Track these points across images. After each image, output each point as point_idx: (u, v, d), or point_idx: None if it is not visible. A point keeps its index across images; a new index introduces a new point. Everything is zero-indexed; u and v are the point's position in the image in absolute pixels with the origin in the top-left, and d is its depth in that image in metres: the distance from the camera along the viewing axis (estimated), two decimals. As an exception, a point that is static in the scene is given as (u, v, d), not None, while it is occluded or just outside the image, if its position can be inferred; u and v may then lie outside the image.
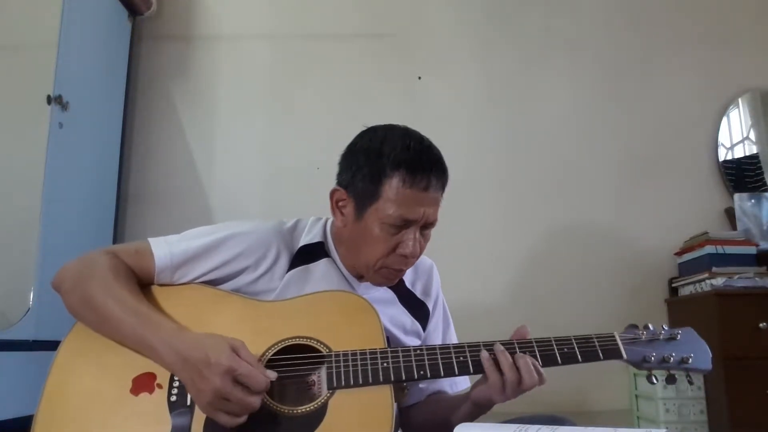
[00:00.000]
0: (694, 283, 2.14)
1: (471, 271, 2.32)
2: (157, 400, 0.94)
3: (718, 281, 1.99)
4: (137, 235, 2.37)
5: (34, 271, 1.79)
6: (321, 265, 1.13)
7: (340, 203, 1.11)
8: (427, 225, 1.07)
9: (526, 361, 0.96)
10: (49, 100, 1.88)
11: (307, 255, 1.13)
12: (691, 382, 1.05)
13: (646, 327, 1.06)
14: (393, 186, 1.03)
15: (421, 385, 1.19)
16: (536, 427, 0.83)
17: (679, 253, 2.29)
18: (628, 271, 2.32)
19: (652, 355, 1.02)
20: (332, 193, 1.12)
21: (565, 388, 2.16)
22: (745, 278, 1.98)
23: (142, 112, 2.48)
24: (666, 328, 1.06)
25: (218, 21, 2.56)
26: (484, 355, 0.98)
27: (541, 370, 0.98)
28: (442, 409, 1.13)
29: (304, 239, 1.15)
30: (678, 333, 1.05)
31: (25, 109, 1.95)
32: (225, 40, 2.55)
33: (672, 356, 1.02)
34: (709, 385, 1.98)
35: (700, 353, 1.03)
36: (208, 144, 2.46)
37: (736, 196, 2.26)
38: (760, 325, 1.88)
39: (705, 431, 1.97)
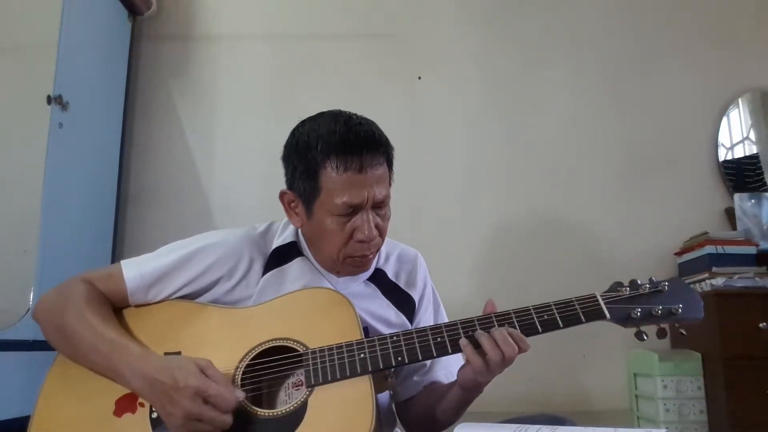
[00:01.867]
0: (694, 283, 2.13)
1: (469, 271, 2.32)
2: (140, 418, 0.95)
3: (718, 281, 1.99)
4: (137, 235, 2.38)
5: (34, 271, 1.79)
6: (295, 265, 1.12)
7: (292, 204, 1.10)
8: (377, 205, 1.04)
9: (502, 334, 0.95)
10: (49, 100, 1.88)
11: (281, 257, 1.12)
12: (683, 334, 0.97)
13: (632, 282, 1.00)
14: (328, 176, 1.00)
15: (415, 378, 1.17)
16: (536, 427, 0.83)
17: (679, 253, 2.29)
18: (628, 271, 2.30)
19: (638, 311, 0.96)
20: (281, 197, 1.10)
21: (565, 388, 2.17)
22: (745, 278, 1.98)
23: (142, 112, 2.48)
24: (653, 280, 0.99)
25: (218, 21, 2.56)
26: (463, 341, 0.97)
27: (521, 336, 0.96)
28: (435, 399, 1.12)
29: (277, 241, 1.14)
30: (665, 284, 0.98)
31: (25, 109, 1.95)
32: (225, 40, 2.55)
33: (659, 309, 0.96)
34: (709, 385, 1.98)
35: (690, 302, 0.97)
36: (208, 144, 2.46)
37: (736, 196, 2.26)
38: (760, 325, 1.88)
39: (705, 431, 1.96)
